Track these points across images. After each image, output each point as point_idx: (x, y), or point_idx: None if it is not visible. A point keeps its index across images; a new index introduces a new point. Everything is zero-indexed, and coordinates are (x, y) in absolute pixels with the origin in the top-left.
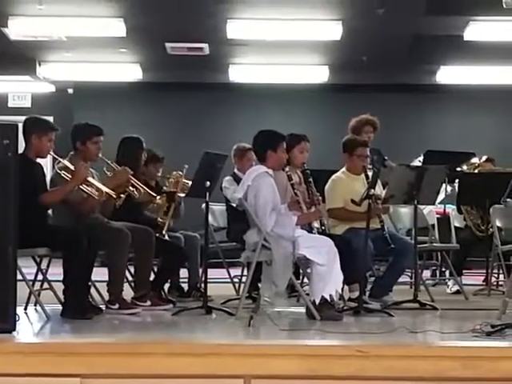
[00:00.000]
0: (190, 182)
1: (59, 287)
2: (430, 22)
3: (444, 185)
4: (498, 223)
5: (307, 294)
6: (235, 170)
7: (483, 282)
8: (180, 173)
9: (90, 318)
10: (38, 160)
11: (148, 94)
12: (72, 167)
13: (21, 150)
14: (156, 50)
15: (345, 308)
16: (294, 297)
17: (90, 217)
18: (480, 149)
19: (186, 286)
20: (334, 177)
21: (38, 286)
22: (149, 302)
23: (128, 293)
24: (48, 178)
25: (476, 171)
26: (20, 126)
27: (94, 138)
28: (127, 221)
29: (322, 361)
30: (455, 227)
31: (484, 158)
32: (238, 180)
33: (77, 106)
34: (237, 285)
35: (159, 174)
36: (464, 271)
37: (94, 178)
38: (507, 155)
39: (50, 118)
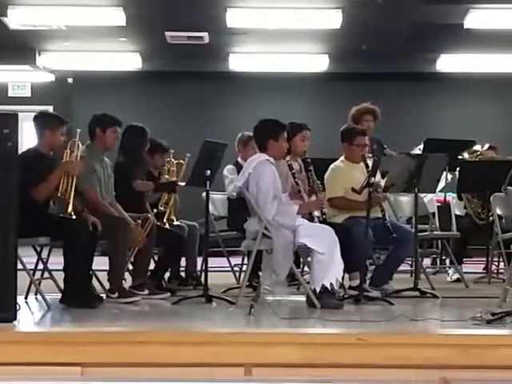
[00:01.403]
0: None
1: (60, 276)
2: (429, 10)
3: (444, 173)
4: (499, 211)
5: (307, 283)
6: (238, 159)
7: (483, 269)
8: (182, 161)
9: (94, 307)
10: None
11: (148, 83)
12: (77, 155)
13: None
14: (156, 39)
15: (345, 296)
16: (295, 285)
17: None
18: (480, 137)
19: (183, 275)
20: (333, 166)
21: (38, 275)
22: (146, 291)
23: (130, 281)
24: None
25: (477, 159)
26: (20, 115)
27: (114, 127)
28: (129, 210)
29: (323, 349)
30: (456, 215)
31: (486, 145)
32: (240, 169)
33: (76, 95)
34: (237, 273)
35: (165, 164)
36: (464, 259)
37: (105, 171)
38: (508, 143)
39: (50, 108)
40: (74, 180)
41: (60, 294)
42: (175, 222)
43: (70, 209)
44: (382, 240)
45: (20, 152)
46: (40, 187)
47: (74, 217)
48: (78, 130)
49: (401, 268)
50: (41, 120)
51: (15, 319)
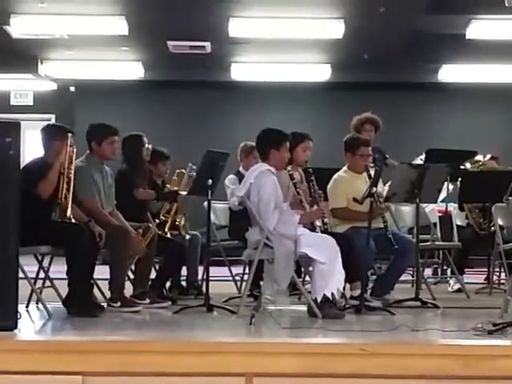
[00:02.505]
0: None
1: (61, 285)
2: (431, 21)
3: (446, 183)
4: (500, 222)
5: (309, 292)
6: (240, 169)
7: (485, 280)
8: (183, 171)
9: (95, 316)
10: None
11: (150, 92)
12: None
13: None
14: (158, 49)
15: (346, 306)
16: (296, 295)
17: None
18: (482, 147)
19: (184, 284)
20: (335, 176)
21: (39, 283)
22: (147, 300)
23: (130, 291)
24: None
25: (479, 169)
26: (22, 123)
27: (109, 137)
28: (130, 219)
29: (324, 359)
30: (457, 225)
31: (488, 156)
32: (241, 178)
33: (79, 104)
34: (238, 283)
35: (168, 171)
36: (466, 269)
37: (105, 180)
38: (510, 153)
39: (52, 116)
40: (71, 184)
41: (61, 304)
42: (187, 237)
43: (68, 213)
44: (383, 250)
45: (26, 163)
46: (42, 184)
47: (73, 220)
48: (70, 135)
49: (402, 278)
50: (49, 131)
51: (16, 328)
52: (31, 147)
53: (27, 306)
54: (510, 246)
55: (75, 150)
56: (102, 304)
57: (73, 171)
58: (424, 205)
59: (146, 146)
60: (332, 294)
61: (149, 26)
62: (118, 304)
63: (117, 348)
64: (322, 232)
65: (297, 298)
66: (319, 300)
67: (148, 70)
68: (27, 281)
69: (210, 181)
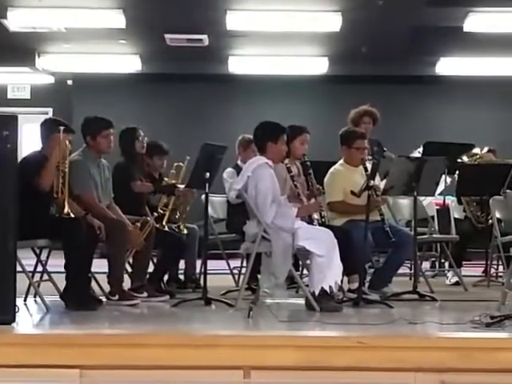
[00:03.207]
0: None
1: (58, 278)
2: (429, 13)
3: (444, 176)
4: (498, 214)
5: (306, 286)
6: (238, 162)
7: (482, 273)
8: (181, 164)
9: (93, 309)
10: None
11: (147, 85)
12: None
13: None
14: (155, 42)
15: (344, 299)
16: (294, 288)
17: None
18: (480, 140)
19: (182, 278)
20: (332, 169)
21: (37, 277)
22: (145, 294)
23: (128, 284)
24: None
25: (477, 162)
26: (19, 117)
27: (104, 131)
28: (128, 213)
29: (322, 352)
30: (455, 218)
31: (486, 149)
32: (239, 171)
33: (76, 97)
34: (236, 276)
35: (164, 167)
36: (463, 262)
37: (103, 174)
38: (507, 146)
39: (50, 110)
40: (66, 178)
41: (59, 297)
42: (184, 231)
43: (66, 209)
44: (381, 243)
45: (24, 156)
46: (42, 173)
47: (72, 215)
48: (61, 128)
49: (400, 271)
50: (48, 125)
51: (14, 321)
52: (28, 141)
53: (25, 300)
54: (507, 238)
55: (68, 143)
56: (100, 297)
57: (67, 166)
58: (422, 198)
59: (140, 138)
60: (330, 287)
61: (146, 19)
62: (116, 297)
63: (115, 341)
64: (320, 225)
65: (294, 291)
66: (317, 293)
67: (145, 63)
68: (25, 274)
69: (208, 174)
